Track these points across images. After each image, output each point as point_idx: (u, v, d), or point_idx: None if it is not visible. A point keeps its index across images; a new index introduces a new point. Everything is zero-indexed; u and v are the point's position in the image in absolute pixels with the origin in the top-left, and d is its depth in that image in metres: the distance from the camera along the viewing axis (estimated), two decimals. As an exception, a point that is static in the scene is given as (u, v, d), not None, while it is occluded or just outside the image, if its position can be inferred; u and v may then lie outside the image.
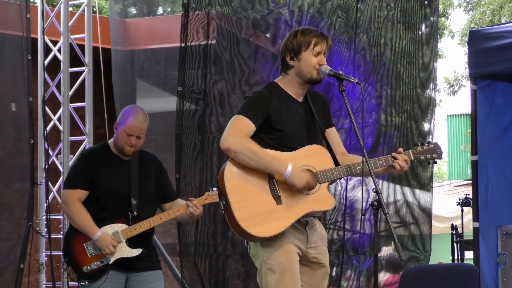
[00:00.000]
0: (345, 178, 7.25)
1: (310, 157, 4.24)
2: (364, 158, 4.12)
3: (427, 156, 4.37)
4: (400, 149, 4.34)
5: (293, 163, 4.16)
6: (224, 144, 4.17)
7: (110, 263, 5.17)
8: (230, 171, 4.18)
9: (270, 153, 4.18)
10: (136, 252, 5.23)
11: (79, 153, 7.18)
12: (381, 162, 4.29)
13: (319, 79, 4.29)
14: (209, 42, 6.89)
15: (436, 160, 4.38)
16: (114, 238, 5.15)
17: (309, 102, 4.38)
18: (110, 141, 5.40)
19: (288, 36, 4.35)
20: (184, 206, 5.28)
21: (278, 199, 4.16)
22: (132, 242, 5.22)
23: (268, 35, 7.41)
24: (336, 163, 4.31)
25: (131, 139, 5.23)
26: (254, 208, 4.14)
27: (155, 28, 8.66)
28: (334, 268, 7.28)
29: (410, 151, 4.36)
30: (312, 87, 4.45)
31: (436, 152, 4.39)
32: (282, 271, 4.19)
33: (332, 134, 4.48)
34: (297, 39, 4.28)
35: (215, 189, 5.30)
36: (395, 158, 4.28)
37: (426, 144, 4.39)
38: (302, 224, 4.27)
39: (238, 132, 4.17)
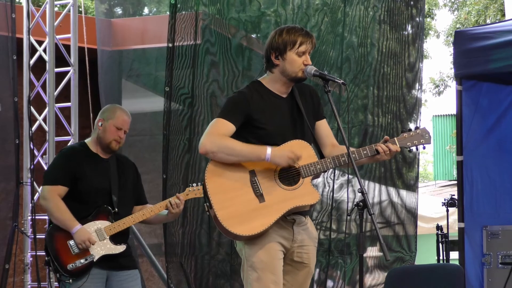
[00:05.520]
0: (332, 178, 7.27)
1: None
2: (349, 158, 4.11)
3: (414, 142, 4.29)
4: (386, 137, 4.29)
5: None
6: (201, 148, 4.17)
7: (94, 261, 5.16)
8: (211, 173, 4.18)
9: (247, 143, 4.17)
10: (121, 248, 5.23)
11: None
12: (365, 152, 4.25)
13: (304, 77, 4.26)
14: (198, 43, 6.89)
15: (424, 145, 4.29)
16: (92, 238, 5.12)
17: (296, 97, 4.34)
18: (88, 140, 5.40)
19: (273, 34, 4.30)
20: (166, 201, 5.29)
21: (260, 197, 4.14)
22: (114, 239, 5.22)
23: (254, 36, 7.42)
24: (322, 157, 4.29)
25: (120, 133, 5.26)
26: (236, 207, 4.13)
27: (142, 28, 8.63)
28: (321, 269, 7.28)
29: (395, 138, 4.29)
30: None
31: (424, 137, 4.30)
32: (263, 268, 4.17)
33: (323, 126, 4.43)
34: (282, 37, 4.23)
35: (195, 184, 5.31)
36: (377, 151, 4.23)
37: (413, 130, 4.30)
38: (288, 222, 4.25)
39: (213, 134, 4.16)
